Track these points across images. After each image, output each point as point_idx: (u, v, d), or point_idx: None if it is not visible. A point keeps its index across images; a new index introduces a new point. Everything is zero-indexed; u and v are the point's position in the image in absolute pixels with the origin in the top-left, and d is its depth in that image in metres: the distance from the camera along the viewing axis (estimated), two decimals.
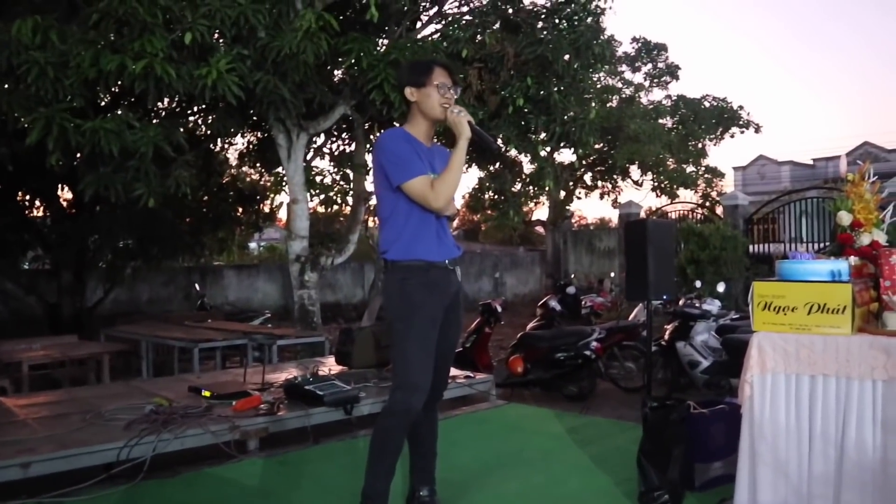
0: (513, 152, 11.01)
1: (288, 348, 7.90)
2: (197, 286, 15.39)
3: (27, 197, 11.99)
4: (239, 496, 3.66)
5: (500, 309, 7.74)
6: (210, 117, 9.78)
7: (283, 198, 13.23)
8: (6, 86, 6.50)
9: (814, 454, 2.82)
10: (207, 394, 4.87)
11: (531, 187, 10.36)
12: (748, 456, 2.91)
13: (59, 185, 11.48)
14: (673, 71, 21.95)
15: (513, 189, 10.50)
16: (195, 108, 10.08)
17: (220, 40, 7.29)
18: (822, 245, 12.34)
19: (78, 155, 7.43)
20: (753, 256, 13.01)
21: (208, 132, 10.62)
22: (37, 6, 7.11)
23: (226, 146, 12.84)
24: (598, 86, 18.83)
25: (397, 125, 4.62)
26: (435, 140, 3.21)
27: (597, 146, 17.35)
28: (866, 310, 3.03)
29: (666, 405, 3.55)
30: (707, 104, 20.90)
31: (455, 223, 3.17)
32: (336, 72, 9.24)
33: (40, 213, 12.51)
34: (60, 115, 6.38)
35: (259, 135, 11.77)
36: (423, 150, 3.02)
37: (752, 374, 2.89)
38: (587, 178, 20.87)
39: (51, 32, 6.41)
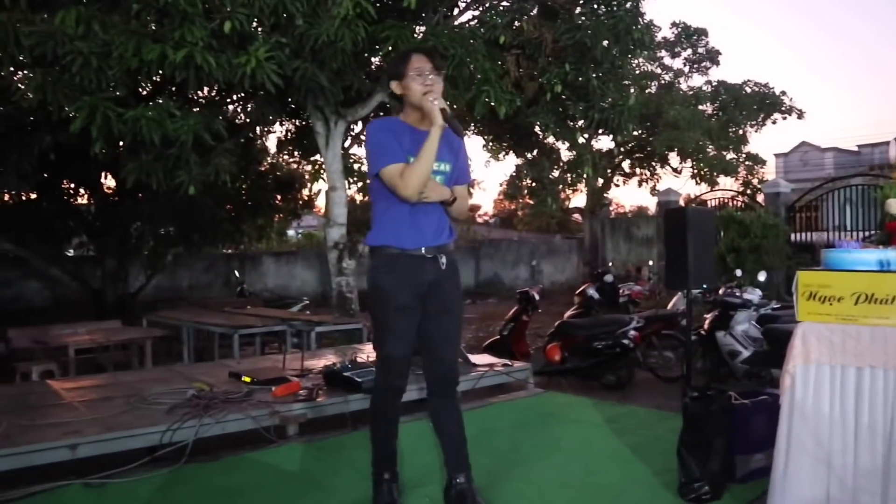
0: (551, 139, 10.95)
1: (326, 335, 7.97)
2: (236, 273, 15.62)
3: (71, 185, 12.27)
4: (279, 481, 3.70)
5: (537, 297, 7.70)
6: (249, 105, 9.89)
7: (321, 185, 13.31)
8: (50, 77, 6.62)
9: (860, 447, 2.76)
10: (248, 379, 4.93)
11: (569, 174, 10.27)
12: (786, 447, 2.86)
13: (102, 174, 11.72)
14: (713, 56, 21.52)
15: (551, 176, 10.43)
16: (234, 97, 10.18)
17: (259, 29, 7.34)
18: (868, 233, 12.04)
19: (120, 143, 7.56)
20: (795, 245, 12.74)
21: (247, 120, 10.73)
22: None
23: (264, 134, 12.97)
24: (637, 72, 18.55)
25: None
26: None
27: (635, 133, 17.13)
28: None
29: (706, 395, 3.49)
30: (748, 90, 20.46)
31: (456, 208, 3.20)
32: (373, 59, 9.25)
33: (84, 201, 12.78)
34: (103, 103, 6.50)
35: (297, 123, 11.86)
36: (415, 134, 3.05)
37: (796, 364, 2.83)
38: (625, 165, 20.62)
39: (93, 23, 6.52)
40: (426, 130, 3.03)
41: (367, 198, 14.26)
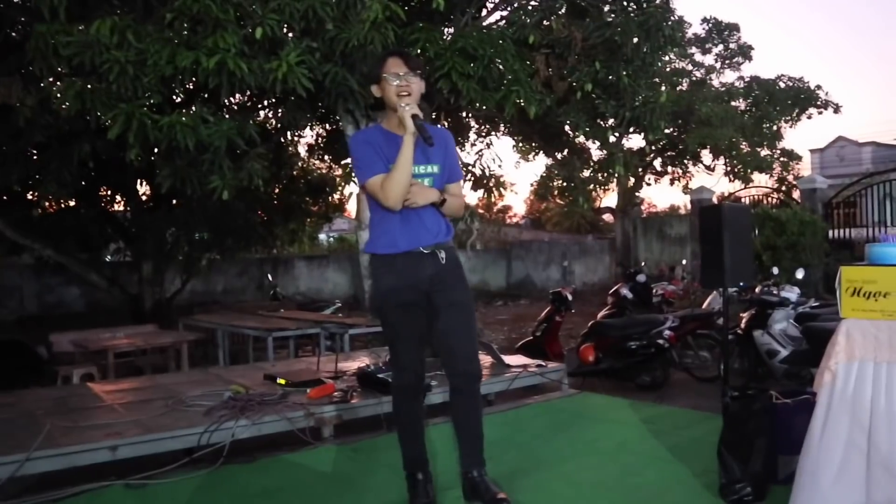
0: (581, 138, 10.89)
1: (359, 337, 8.00)
2: (269, 276, 15.76)
3: (108, 192, 12.49)
4: (315, 481, 3.72)
5: (570, 297, 7.65)
6: (280, 110, 9.97)
7: (352, 189, 13.39)
8: (88, 86, 6.75)
9: None
10: (283, 381, 4.97)
11: (600, 174, 10.21)
12: (829, 445, 2.79)
13: (138, 180, 11.91)
14: (745, 51, 21.26)
15: (581, 176, 10.37)
16: (266, 102, 10.29)
17: (290, 34, 7.40)
18: None
19: (155, 150, 7.68)
20: (833, 242, 12.51)
21: (279, 125, 10.83)
22: (115, 8, 7.37)
23: (296, 139, 13.09)
24: (668, 69, 18.38)
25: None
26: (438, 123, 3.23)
27: (667, 131, 16.94)
28: None
29: (747, 395, 3.44)
30: (782, 85, 20.14)
31: (449, 207, 3.22)
32: None
33: (121, 208, 13.01)
34: (139, 111, 6.61)
35: (328, 126, 11.93)
36: (395, 142, 3.07)
37: (838, 361, 2.77)
38: (657, 163, 20.42)
39: (128, 32, 6.64)
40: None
41: None
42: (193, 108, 7.35)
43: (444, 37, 8.17)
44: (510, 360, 5.91)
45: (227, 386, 4.90)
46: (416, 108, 3.04)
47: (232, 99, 9.42)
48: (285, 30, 7.31)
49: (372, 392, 4.75)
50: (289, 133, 11.85)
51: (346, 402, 4.56)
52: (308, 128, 11.88)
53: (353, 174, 3.21)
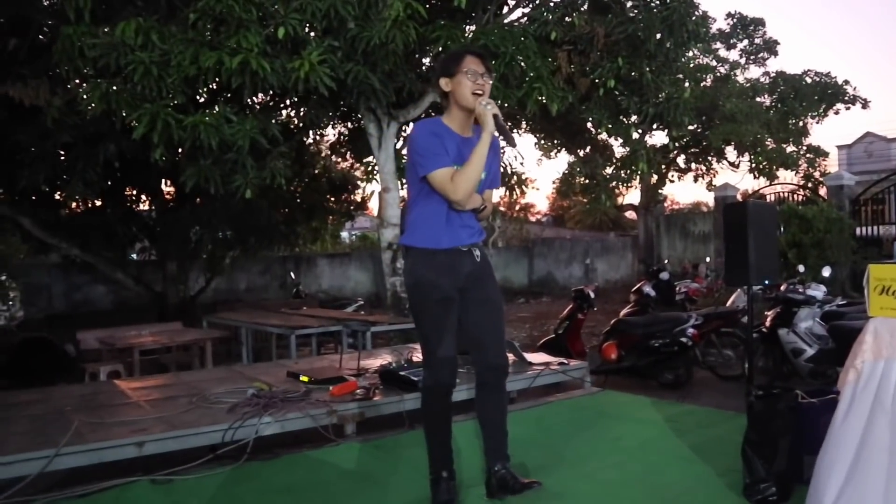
0: (603, 135, 10.82)
1: (381, 335, 8.03)
2: (292, 274, 15.85)
3: (133, 191, 12.63)
4: (338, 479, 3.74)
5: (592, 295, 7.62)
6: (302, 109, 10.02)
7: (374, 187, 13.42)
8: (113, 87, 6.83)
9: None
10: (306, 379, 5.00)
11: (623, 171, 10.13)
12: (843, 444, 2.75)
13: (162, 180, 12.03)
14: (771, 46, 20.99)
15: (604, 173, 10.31)
16: (288, 101, 10.34)
17: (312, 33, 7.44)
18: None
19: (179, 149, 7.75)
20: (861, 239, 12.34)
21: (301, 124, 10.89)
22: (139, 9, 7.44)
23: (318, 137, 13.14)
24: (692, 65, 18.20)
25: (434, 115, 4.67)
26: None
27: (691, 127, 16.80)
28: None
29: (772, 394, 3.40)
30: (808, 80, 19.86)
31: (485, 213, 3.26)
32: (424, 60, 9.29)
33: (146, 207, 13.16)
34: (164, 111, 6.68)
35: (350, 125, 11.97)
36: (458, 140, 3.11)
37: (864, 360, 2.73)
38: (681, 160, 20.24)
39: (151, 33, 6.71)
40: (469, 138, 3.12)
41: None
42: (217, 107, 7.40)
43: (466, 34, 8.16)
44: (532, 357, 5.91)
45: (250, 383, 4.95)
46: (497, 109, 3.07)
47: (255, 98, 9.49)
48: (307, 29, 7.34)
49: (394, 389, 4.77)
50: (311, 132, 11.91)
51: (369, 399, 4.59)
52: (330, 126, 11.93)
53: (415, 163, 3.09)
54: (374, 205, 14.88)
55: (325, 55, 6.97)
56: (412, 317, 3.33)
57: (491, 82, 3.14)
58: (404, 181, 12.05)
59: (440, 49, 7.78)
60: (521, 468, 3.47)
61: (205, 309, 11.29)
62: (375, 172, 11.23)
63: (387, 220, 9.13)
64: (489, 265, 3.29)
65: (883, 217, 13.60)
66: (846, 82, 19.69)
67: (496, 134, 3.10)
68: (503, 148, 3.51)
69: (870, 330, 2.76)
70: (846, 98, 19.79)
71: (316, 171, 13.73)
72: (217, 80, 7.12)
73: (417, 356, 5.87)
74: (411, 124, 10.32)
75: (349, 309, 10.81)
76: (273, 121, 8.27)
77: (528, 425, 4.45)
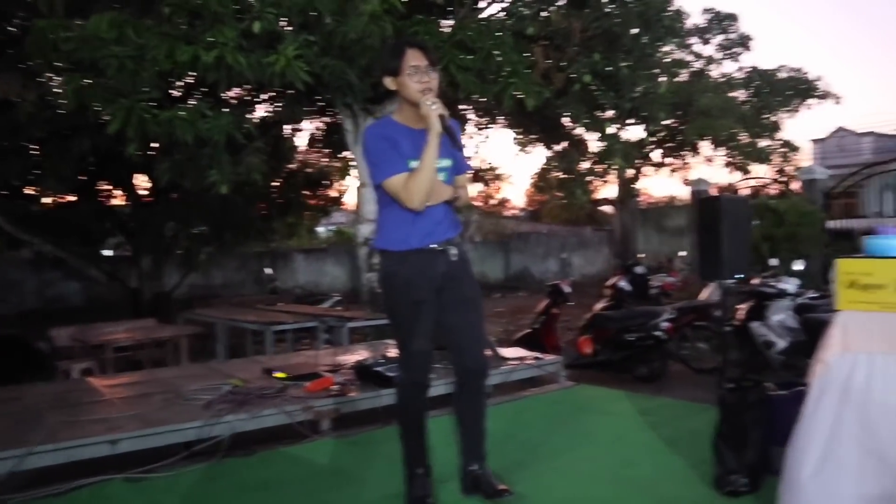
0: (580, 130, 10.88)
1: (358, 331, 8.01)
2: (268, 270, 15.77)
3: (107, 187, 12.49)
4: (313, 474, 3.74)
5: (567, 290, 7.66)
6: (279, 104, 9.97)
7: (350, 182, 13.40)
8: (87, 81, 6.74)
9: None
10: (281, 375, 4.98)
11: (599, 165, 10.20)
12: (814, 435, 2.81)
13: (137, 175, 11.92)
14: (745, 42, 21.18)
15: (580, 168, 10.37)
16: (264, 96, 10.28)
17: (288, 28, 7.39)
18: None
19: (154, 144, 7.68)
20: (833, 233, 12.50)
21: (277, 119, 10.83)
22: (113, 2, 7.35)
23: (294, 132, 13.09)
24: (668, 59, 18.34)
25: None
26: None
27: (666, 122, 16.93)
28: None
29: (743, 387, 3.46)
30: (782, 75, 20.11)
31: (461, 201, 3.20)
32: None
33: (120, 202, 13.03)
34: (138, 105, 6.60)
35: (326, 120, 11.93)
36: (412, 135, 3.01)
37: (832, 353, 2.79)
38: (656, 154, 20.39)
39: (126, 27, 6.62)
40: (422, 130, 2.99)
41: None
42: (192, 102, 7.34)
43: (443, 29, 8.16)
44: (507, 352, 5.93)
45: (226, 380, 4.92)
46: (443, 108, 2.98)
47: (230, 93, 9.42)
48: (283, 23, 7.29)
49: (370, 385, 4.77)
50: (287, 127, 11.85)
51: (344, 395, 4.59)
52: (307, 121, 11.89)
53: (369, 169, 3.07)
54: (350, 200, 14.87)
55: (302, 50, 6.92)
56: (386, 314, 3.32)
57: (436, 74, 3.02)
58: None
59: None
60: (496, 462, 3.49)
61: (180, 305, 11.20)
62: (352, 167, 11.23)
63: (363, 216, 9.10)
64: (467, 262, 3.22)
65: (855, 210, 13.79)
66: (818, 78, 19.98)
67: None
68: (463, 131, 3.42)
69: (838, 323, 2.82)
70: (818, 93, 20.06)
71: (293, 167, 13.66)
72: (193, 74, 7.06)
73: (393, 352, 5.88)
74: None
75: (325, 304, 10.77)
76: (249, 116, 8.22)
77: (503, 420, 4.48)
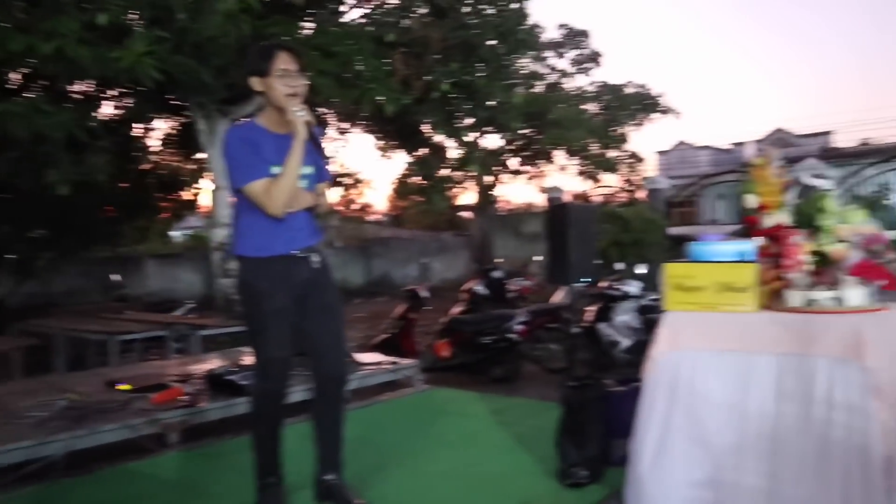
0: (439, 137, 11.06)
1: (212, 339, 7.74)
2: (115, 277, 14.88)
3: None
4: (158, 490, 3.59)
5: (425, 294, 7.76)
6: (128, 102, 9.49)
7: (206, 184, 12.94)
8: None
9: (722, 427, 2.94)
10: (125, 387, 4.75)
11: (457, 172, 10.42)
12: (648, 428, 3.01)
13: None
14: (595, 57, 22.29)
15: (439, 174, 10.54)
16: (112, 92, 9.74)
17: (138, 21, 7.06)
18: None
19: None
20: (674, 239, 13.37)
21: (126, 117, 10.30)
22: None
23: (146, 132, 12.47)
24: (525, 71, 18.99)
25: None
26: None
27: (523, 131, 17.51)
28: (770, 288, 3.16)
29: (584, 384, 3.64)
30: (629, 90, 21.32)
31: (322, 208, 3.20)
32: None
33: None
34: None
35: (181, 120, 11.47)
36: (275, 140, 2.96)
37: (662, 351, 3.00)
38: (514, 162, 21.04)
39: None
40: (286, 135, 2.94)
41: None
42: (29, 95, 6.84)
43: (302, 32, 8.07)
44: (364, 357, 5.94)
45: (62, 394, 4.61)
46: (310, 115, 2.93)
47: (74, 88, 8.86)
48: (132, 17, 6.96)
49: (222, 395, 4.64)
50: (138, 126, 11.29)
51: (194, 405, 4.43)
52: (159, 121, 11.38)
53: (229, 174, 2.97)
54: (207, 203, 14.33)
55: (152, 46, 6.63)
56: (245, 325, 3.23)
57: (305, 81, 2.99)
58: None
59: None
60: (350, 468, 3.47)
61: (14, 315, 10.36)
62: (207, 170, 10.86)
63: (218, 220, 8.83)
64: (329, 270, 3.19)
65: (693, 218, 14.83)
66: (661, 94, 21.34)
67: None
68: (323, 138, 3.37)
69: (666, 323, 3.03)
70: (661, 108, 21.42)
71: (144, 168, 13.01)
72: (29, 65, 6.59)
73: (248, 360, 5.74)
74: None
75: (178, 312, 10.31)
76: (94, 113, 7.77)
77: (360, 425, 4.46)
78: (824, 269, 3.17)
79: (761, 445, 2.82)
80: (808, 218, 3.36)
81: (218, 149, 8.76)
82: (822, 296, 2.87)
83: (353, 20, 9.21)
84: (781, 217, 3.42)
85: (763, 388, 2.84)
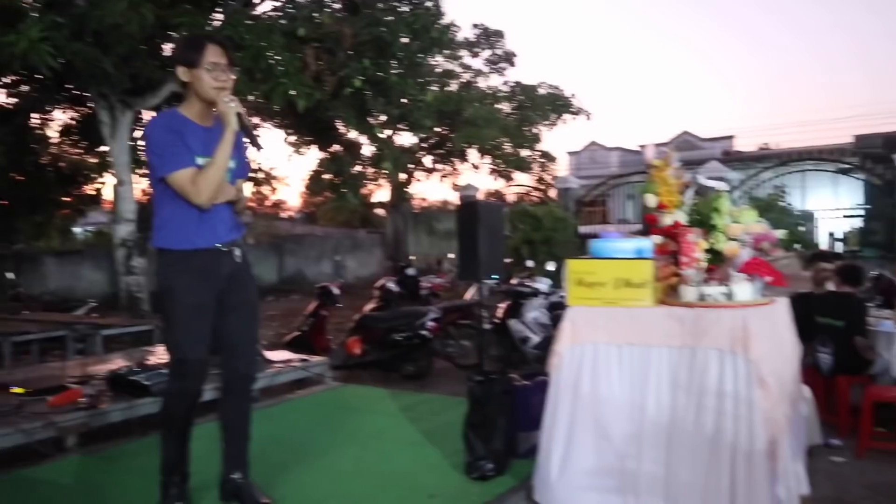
0: (352, 134, 11.00)
1: (115, 338, 7.48)
2: (9, 275, 14.13)
3: None
4: (55, 497, 3.45)
5: (337, 291, 7.72)
6: (23, 90, 9.05)
7: (109, 179, 12.46)
8: None
9: (622, 417, 3.05)
10: (19, 390, 4.53)
11: (371, 169, 10.39)
12: (562, 422, 3.11)
13: None
14: (510, 57, 22.57)
15: (351, 171, 10.48)
16: (6, 80, 9.27)
17: (34, 5, 6.73)
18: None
19: None
20: (584, 237, 13.73)
21: (21, 107, 9.81)
22: None
23: (44, 122, 11.90)
24: (438, 70, 19.08)
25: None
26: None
27: (437, 129, 17.59)
28: (667, 283, 3.30)
29: (489, 379, 3.71)
30: (542, 91, 21.68)
31: (241, 204, 3.16)
32: (165, 45, 8.80)
33: None
34: None
35: (82, 111, 11.00)
36: (199, 132, 2.93)
37: (564, 345, 3.09)
38: (428, 160, 21.11)
39: None
40: (211, 128, 2.93)
41: None
42: None
43: (210, 23, 7.88)
44: (274, 355, 5.86)
45: None
46: (241, 107, 2.90)
47: None
48: (26, 0, 6.64)
49: (125, 396, 4.49)
50: (35, 116, 10.77)
51: (94, 407, 4.27)
52: (59, 111, 10.88)
53: (152, 162, 2.88)
54: (109, 198, 13.80)
55: (49, 32, 6.34)
56: (162, 321, 3.12)
57: (234, 76, 2.97)
58: (141, 173, 11.38)
59: (183, 35, 7.43)
60: (259, 466, 3.43)
61: None
62: (110, 164, 10.47)
63: (121, 216, 8.53)
64: (249, 265, 3.14)
65: (604, 217, 15.26)
66: (573, 95, 21.80)
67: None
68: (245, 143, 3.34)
69: (568, 318, 3.13)
70: (573, 109, 21.88)
71: (42, 160, 12.41)
72: None
73: (152, 359, 5.58)
74: (148, 114, 9.74)
75: (79, 311, 9.89)
76: None
77: (268, 424, 4.42)
78: (717, 265, 3.34)
79: (659, 435, 2.95)
80: (703, 217, 3.52)
81: (121, 141, 8.47)
82: (714, 291, 3.03)
83: (264, 13, 9.04)
84: (679, 216, 3.58)
85: (660, 380, 2.98)
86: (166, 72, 8.31)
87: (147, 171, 9.20)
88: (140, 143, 10.42)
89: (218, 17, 8.40)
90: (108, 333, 6.91)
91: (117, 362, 5.60)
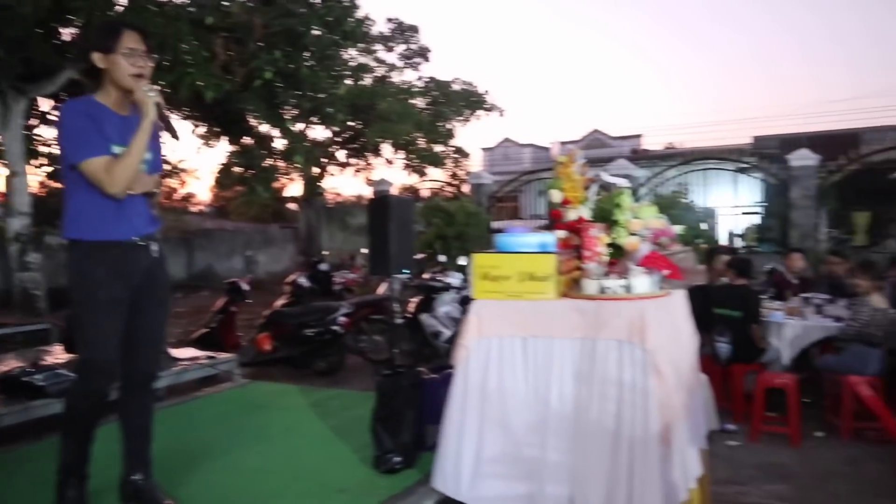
0: (264, 127, 10.80)
1: (7, 338, 7.12)
2: None
3: None
4: None
5: (246, 287, 7.59)
6: None
7: (1, 170, 11.84)
8: None
9: (525, 407, 3.12)
10: None
11: (283, 163, 10.22)
12: (460, 412, 3.16)
13: None
14: (424, 53, 22.63)
15: (262, 164, 10.30)
16: None
17: None
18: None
19: None
20: (497, 232, 13.91)
21: None
22: None
23: None
24: (353, 63, 18.95)
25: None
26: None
27: (350, 123, 17.47)
28: (570, 277, 3.39)
29: (397, 372, 3.73)
30: (456, 87, 21.83)
31: (156, 198, 3.08)
32: (63, 31, 8.42)
33: None
34: None
35: None
36: (115, 120, 2.85)
37: (471, 338, 3.14)
38: (341, 154, 20.95)
39: None
40: (128, 116, 2.85)
41: (58, 184, 12.97)
42: None
43: (114, 8, 7.59)
44: (179, 353, 5.72)
45: None
46: (160, 97, 2.81)
47: None
48: None
49: (17, 398, 4.30)
50: None
51: None
52: None
53: (64, 149, 2.77)
54: (1, 190, 13.10)
55: None
56: (73, 317, 2.98)
57: (151, 63, 2.87)
58: (37, 164, 10.85)
59: (84, 21, 7.14)
60: (164, 467, 3.34)
61: None
62: (2, 154, 9.95)
63: (15, 209, 8.13)
64: (165, 261, 3.06)
65: (517, 213, 15.48)
66: (486, 92, 22.06)
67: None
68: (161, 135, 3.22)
69: (473, 311, 3.18)
70: (486, 106, 22.14)
71: None
72: None
73: (48, 359, 5.36)
74: (42, 101, 9.31)
75: None
76: None
77: (174, 422, 4.33)
78: (618, 259, 3.46)
79: (562, 424, 3.04)
80: (606, 213, 3.64)
81: (14, 130, 8.06)
82: (614, 284, 3.13)
83: (169, 0, 8.77)
84: (582, 211, 3.68)
85: (563, 371, 3.06)
86: (64, 57, 7.96)
87: (45, 162, 8.78)
88: (35, 132, 9.96)
89: (121, 3, 8.08)
90: (1, 333, 6.57)
91: (10, 363, 5.33)
